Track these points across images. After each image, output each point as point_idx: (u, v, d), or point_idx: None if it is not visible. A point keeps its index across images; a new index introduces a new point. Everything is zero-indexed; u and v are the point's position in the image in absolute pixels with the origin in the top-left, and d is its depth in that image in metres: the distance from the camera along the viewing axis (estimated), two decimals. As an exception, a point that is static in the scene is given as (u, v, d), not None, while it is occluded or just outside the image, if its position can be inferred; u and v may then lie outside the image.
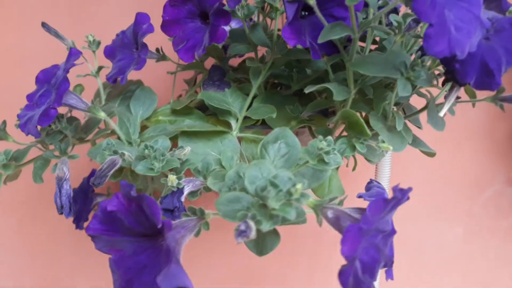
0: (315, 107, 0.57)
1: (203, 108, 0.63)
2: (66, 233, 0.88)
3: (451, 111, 0.53)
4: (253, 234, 0.30)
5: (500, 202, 0.95)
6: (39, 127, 0.51)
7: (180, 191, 0.44)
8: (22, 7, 0.84)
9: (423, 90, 0.57)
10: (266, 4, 0.62)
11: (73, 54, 0.52)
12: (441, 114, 0.48)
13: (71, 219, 0.60)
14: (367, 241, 0.34)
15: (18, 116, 0.53)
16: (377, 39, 0.57)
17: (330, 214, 0.35)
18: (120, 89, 0.66)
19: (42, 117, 0.48)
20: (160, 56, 0.64)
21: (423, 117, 0.54)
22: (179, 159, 0.47)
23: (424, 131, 0.58)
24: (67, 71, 0.49)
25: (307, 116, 0.59)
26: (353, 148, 0.51)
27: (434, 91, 0.56)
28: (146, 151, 0.46)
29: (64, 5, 0.84)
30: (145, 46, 0.58)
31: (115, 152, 0.47)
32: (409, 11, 0.45)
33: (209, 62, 0.68)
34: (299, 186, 0.31)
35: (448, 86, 0.50)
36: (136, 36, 0.60)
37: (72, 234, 0.75)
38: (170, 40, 0.59)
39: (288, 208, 0.31)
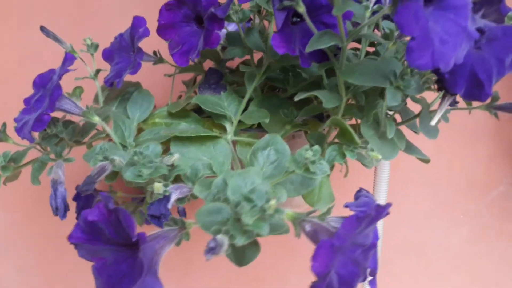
0: (309, 113, 0.57)
1: (201, 110, 0.63)
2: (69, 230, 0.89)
3: (445, 118, 0.52)
4: (223, 250, 0.30)
5: (505, 203, 0.94)
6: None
7: (167, 198, 0.44)
8: (22, 7, 0.85)
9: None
10: (262, 7, 0.62)
11: (68, 59, 0.52)
12: (433, 123, 0.47)
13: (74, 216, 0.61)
14: (344, 255, 0.34)
15: (15, 120, 0.54)
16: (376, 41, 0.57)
17: (308, 227, 0.35)
18: (118, 91, 0.66)
19: (36, 122, 0.49)
20: (157, 59, 0.64)
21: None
22: (168, 165, 0.47)
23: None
24: (60, 77, 0.50)
25: (302, 120, 0.59)
26: (343, 155, 0.50)
27: (431, 96, 0.55)
28: (136, 157, 0.46)
29: (64, 5, 0.85)
30: (140, 50, 0.59)
31: (106, 158, 0.47)
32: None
33: (209, 64, 0.68)
34: (273, 202, 0.31)
35: (442, 92, 0.49)
36: (133, 39, 0.60)
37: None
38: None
39: (262, 224, 0.32)
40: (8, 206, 0.90)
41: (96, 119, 0.54)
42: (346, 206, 0.47)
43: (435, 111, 0.50)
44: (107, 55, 0.64)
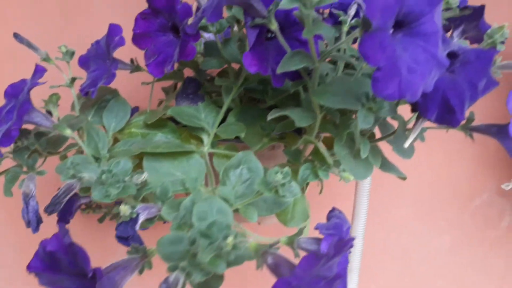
0: (285, 128, 0.56)
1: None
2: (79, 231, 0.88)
3: (421, 137, 0.51)
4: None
5: (489, 212, 0.94)
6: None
7: (134, 219, 0.44)
8: (12, 6, 0.83)
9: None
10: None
11: (38, 71, 0.51)
12: (406, 145, 0.47)
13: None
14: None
15: (-15, 131, 0.53)
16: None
17: (269, 260, 0.35)
18: (95, 98, 0.65)
19: (3, 138, 0.48)
20: (134, 67, 0.63)
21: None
22: (136, 184, 0.46)
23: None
24: (29, 91, 0.49)
25: (279, 134, 0.58)
26: (317, 175, 0.50)
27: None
28: (104, 176, 0.46)
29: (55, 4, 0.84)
30: (115, 60, 0.58)
31: (73, 176, 0.46)
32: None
33: (189, 71, 0.67)
34: (230, 240, 0.31)
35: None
36: (109, 47, 0.59)
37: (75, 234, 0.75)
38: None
39: (219, 261, 0.31)
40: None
41: (68, 132, 0.53)
42: (316, 228, 0.47)
43: (411, 130, 0.50)
44: (83, 62, 0.63)
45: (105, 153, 0.57)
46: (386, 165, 0.54)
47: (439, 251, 0.96)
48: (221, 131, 0.57)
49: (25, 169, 0.55)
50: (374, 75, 0.35)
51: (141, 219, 0.44)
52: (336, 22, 0.54)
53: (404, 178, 0.56)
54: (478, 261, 0.95)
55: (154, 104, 0.71)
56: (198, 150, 0.57)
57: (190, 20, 0.54)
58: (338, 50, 0.50)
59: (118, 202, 0.70)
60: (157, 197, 0.47)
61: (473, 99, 0.42)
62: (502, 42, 0.50)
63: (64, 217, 0.66)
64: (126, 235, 0.43)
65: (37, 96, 0.58)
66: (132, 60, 0.63)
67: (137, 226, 0.44)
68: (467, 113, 0.48)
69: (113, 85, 0.65)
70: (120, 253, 0.58)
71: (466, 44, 0.53)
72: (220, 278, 0.38)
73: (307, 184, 0.57)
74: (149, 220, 0.46)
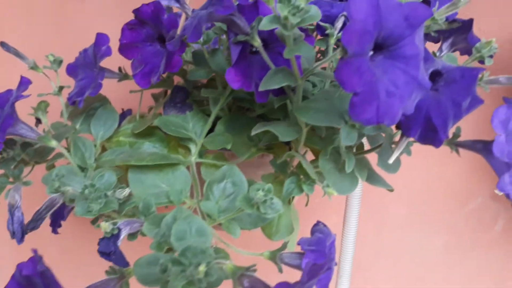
0: (271, 140, 0.55)
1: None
2: (70, 233, 0.88)
3: (407, 151, 0.51)
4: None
5: (482, 215, 0.93)
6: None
7: (116, 235, 0.44)
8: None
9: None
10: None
11: (23, 83, 0.51)
12: (390, 161, 0.46)
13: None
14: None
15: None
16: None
17: (246, 283, 0.35)
18: (83, 106, 0.65)
19: (-13, 151, 0.48)
20: (122, 75, 0.63)
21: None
22: (119, 199, 0.46)
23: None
24: (13, 104, 0.49)
25: (267, 144, 0.58)
26: (301, 189, 0.50)
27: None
28: (86, 191, 0.45)
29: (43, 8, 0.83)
30: (102, 70, 0.58)
31: (57, 190, 0.46)
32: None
33: (178, 78, 0.67)
34: (202, 268, 0.31)
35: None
36: (96, 57, 0.59)
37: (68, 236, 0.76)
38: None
39: (191, 289, 0.31)
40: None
41: (53, 143, 0.53)
42: (299, 243, 0.47)
43: (397, 143, 0.49)
44: (71, 70, 0.63)
45: (91, 163, 0.57)
46: (372, 178, 0.54)
47: (432, 254, 0.96)
48: (208, 142, 0.57)
49: (11, 179, 0.55)
50: (351, 100, 0.34)
51: (123, 234, 0.44)
52: (323, 33, 0.53)
53: (391, 190, 0.56)
54: (471, 263, 0.95)
55: (144, 110, 0.71)
56: (186, 159, 0.57)
57: (178, 31, 0.53)
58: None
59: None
60: (140, 211, 0.47)
61: (457, 118, 0.41)
62: (491, 56, 0.50)
63: (56, 220, 0.66)
64: (108, 250, 0.43)
65: (27, 103, 0.58)
66: (120, 69, 0.63)
67: (119, 242, 0.44)
68: (453, 129, 0.48)
69: (103, 91, 0.65)
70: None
71: (454, 57, 0.52)
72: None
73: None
74: (132, 235, 0.46)
